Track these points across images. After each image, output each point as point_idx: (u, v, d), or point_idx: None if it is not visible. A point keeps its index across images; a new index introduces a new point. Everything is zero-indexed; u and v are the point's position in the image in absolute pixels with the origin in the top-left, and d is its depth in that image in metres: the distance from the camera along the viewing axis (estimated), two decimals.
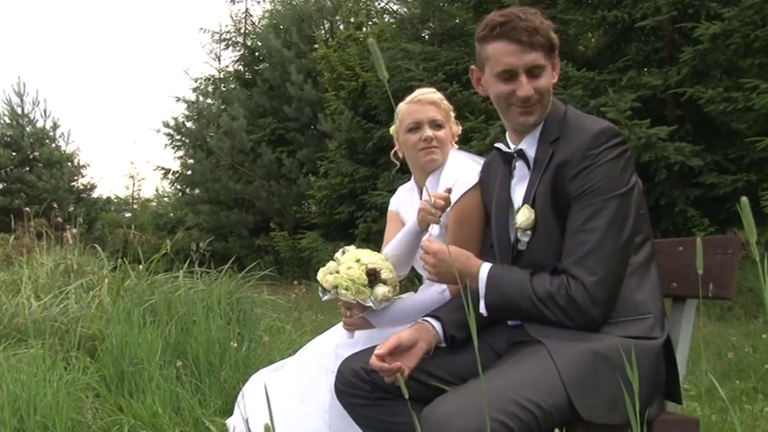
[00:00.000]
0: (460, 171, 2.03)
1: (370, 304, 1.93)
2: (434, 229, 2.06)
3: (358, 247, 2.09)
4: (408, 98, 2.18)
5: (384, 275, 1.96)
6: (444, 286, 1.98)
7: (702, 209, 7.16)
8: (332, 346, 2.12)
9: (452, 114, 2.20)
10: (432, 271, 1.73)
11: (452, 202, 1.97)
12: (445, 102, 2.18)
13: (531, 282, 1.56)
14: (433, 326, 1.73)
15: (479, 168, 1.98)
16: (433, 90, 2.20)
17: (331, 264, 2.01)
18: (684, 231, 7.03)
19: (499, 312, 1.63)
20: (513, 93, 1.62)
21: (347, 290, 1.92)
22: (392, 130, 2.26)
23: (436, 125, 2.12)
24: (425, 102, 2.14)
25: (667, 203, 7.20)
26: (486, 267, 1.64)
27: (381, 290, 1.94)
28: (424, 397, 1.66)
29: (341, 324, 2.13)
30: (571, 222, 1.56)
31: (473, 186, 1.96)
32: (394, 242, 2.11)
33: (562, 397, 1.41)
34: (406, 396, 1.14)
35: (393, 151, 2.28)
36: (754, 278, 5.69)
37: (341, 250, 2.05)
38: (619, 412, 1.42)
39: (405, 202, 2.29)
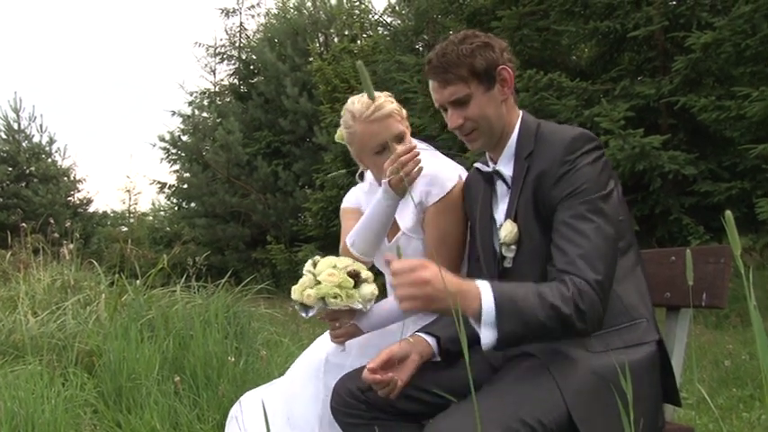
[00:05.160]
0: (437, 169, 1.96)
1: (360, 306, 1.85)
2: (407, 221, 1.98)
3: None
4: (362, 113, 1.96)
5: (364, 274, 1.87)
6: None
7: (697, 217, 7.19)
8: (321, 355, 2.04)
9: (403, 110, 2.05)
10: (426, 291, 1.36)
11: (437, 200, 1.93)
12: (396, 104, 2.01)
13: (543, 292, 1.43)
14: (426, 340, 1.71)
15: (450, 162, 1.97)
16: (382, 100, 1.99)
17: (305, 279, 1.87)
18: (680, 239, 7.06)
19: (514, 340, 1.42)
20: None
21: (336, 297, 1.82)
22: (339, 137, 2.08)
23: (400, 138, 1.98)
24: (383, 117, 1.96)
25: (662, 212, 7.23)
26: (486, 288, 1.41)
27: (368, 288, 1.86)
28: (420, 413, 1.67)
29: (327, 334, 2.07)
30: (560, 225, 1.54)
31: (455, 183, 1.94)
32: (362, 225, 1.97)
33: (563, 413, 1.41)
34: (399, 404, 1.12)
35: (359, 172, 2.16)
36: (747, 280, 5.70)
37: (309, 262, 1.92)
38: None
39: (369, 205, 2.09)
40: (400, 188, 1.87)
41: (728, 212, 0.74)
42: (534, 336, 1.43)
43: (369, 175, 2.18)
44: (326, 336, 2.08)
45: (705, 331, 5.50)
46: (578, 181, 1.54)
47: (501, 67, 1.67)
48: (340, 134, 2.09)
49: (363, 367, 1.77)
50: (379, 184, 2.05)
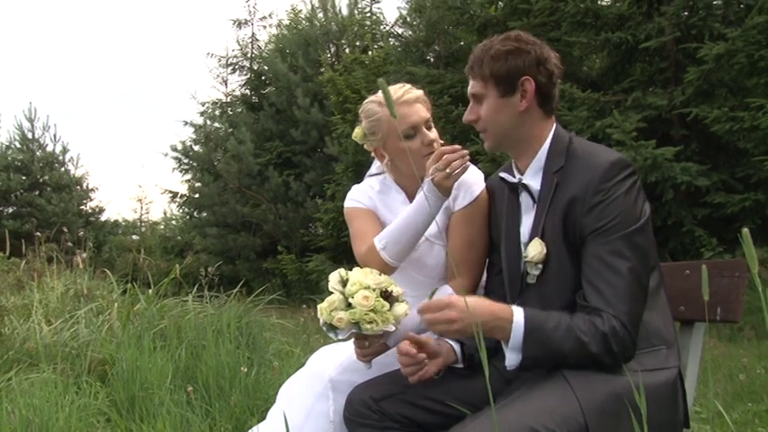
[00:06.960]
0: (465, 173, 1.85)
1: (393, 329, 1.74)
2: (432, 228, 1.90)
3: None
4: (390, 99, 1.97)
5: (395, 292, 1.75)
6: (450, 290, 1.87)
7: (710, 228, 7.14)
8: (322, 377, 1.91)
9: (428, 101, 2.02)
10: (454, 328, 1.51)
11: (464, 205, 1.89)
12: (421, 91, 2.00)
13: (575, 325, 1.48)
14: (450, 345, 1.72)
15: (473, 167, 1.92)
16: (408, 86, 1.99)
17: (334, 298, 1.74)
18: (692, 251, 7.01)
19: (535, 364, 1.53)
20: None
21: (372, 323, 1.70)
22: (357, 135, 2.03)
23: (428, 125, 1.93)
24: (412, 101, 1.94)
25: (675, 224, 7.18)
26: (519, 315, 1.51)
27: (401, 309, 1.74)
28: (435, 425, 1.67)
29: (328, 349, 1.99)
30: (592, 260, 1.53)
31: (482, 188, 1.91)
32: (397, 228, 1.85)
33: (580, 427, 1.41)
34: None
35: (385, 162, 2.04)
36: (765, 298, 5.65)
37: (336, 277, 1.78)
38: None
39: (384, 206, 2.05)
40: (444, 187, 1.77)
41: (746, 230, 0.74)
42: (556, 362, 1.51)
43: (379, 173, 2.11)
44: (318, 359, 1.99)
45: (719, 344, 5.44)
46: (613, 213, 1.52)
47: (525, 77, 1.63)
48: (358, 131, 2.03)
49: (377, 378, 1.78)
50: (391, 177, 2.02)
